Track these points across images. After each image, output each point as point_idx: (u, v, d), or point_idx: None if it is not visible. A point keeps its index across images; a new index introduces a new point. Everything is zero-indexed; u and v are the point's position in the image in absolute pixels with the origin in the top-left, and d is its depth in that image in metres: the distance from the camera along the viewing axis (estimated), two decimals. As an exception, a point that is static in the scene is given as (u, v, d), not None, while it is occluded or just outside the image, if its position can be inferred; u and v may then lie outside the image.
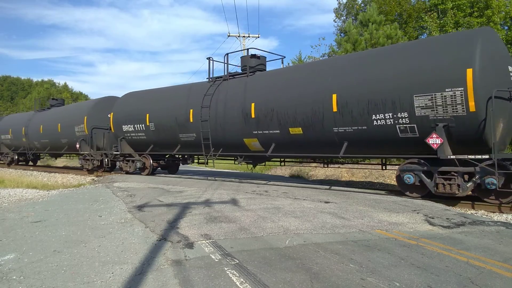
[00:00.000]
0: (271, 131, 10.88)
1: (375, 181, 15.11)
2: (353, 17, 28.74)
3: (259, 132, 11.17)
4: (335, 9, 33.35)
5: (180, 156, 16.24)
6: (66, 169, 23.62)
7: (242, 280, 3.64)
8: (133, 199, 8.97)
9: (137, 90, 17.35)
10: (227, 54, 12.61)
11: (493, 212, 8.06)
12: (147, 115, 14.69)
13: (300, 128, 10.19)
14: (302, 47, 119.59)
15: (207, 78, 13.54)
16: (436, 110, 7.93)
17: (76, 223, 6.38)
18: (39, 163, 28.18)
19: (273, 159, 13.79)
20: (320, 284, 3.54)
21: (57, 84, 78.88)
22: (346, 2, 30.58)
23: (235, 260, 4.23)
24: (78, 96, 71.39)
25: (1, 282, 3.73)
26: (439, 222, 6.17)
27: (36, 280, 3.77)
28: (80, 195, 10.02)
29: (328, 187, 11.59)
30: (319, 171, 17.91)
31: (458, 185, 7.98)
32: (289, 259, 4.26)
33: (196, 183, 12.57)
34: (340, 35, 26.25)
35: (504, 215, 7.74)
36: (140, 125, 15.04)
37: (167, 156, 16.34)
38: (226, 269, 3.94)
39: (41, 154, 25.59)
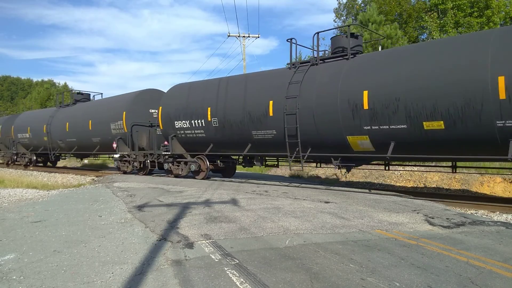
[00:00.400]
0: (392, 126, 8.66)
1: (375, 181, 15.12)
2: (353, 17, 28.76)
3: (372, 127, 8.98)
4: (335, 9, 33.41)
5: (240, 157, 14.02)
6: (66, 169, 23.60)
7: (242, 280, 3.64)
8: (133, 199, 8.97)
9: (189, 81, 15.16)
10: (318, 33, 10.61)
11: (493, 212, 8.07)
12: (209, 109, 12.58)
13: (442, 122, 7.94)
14: (302, 47, 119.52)
15: (287, 64, 11.62)
16: None
17: (76, 223, 6.38)
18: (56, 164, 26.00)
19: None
20: (320, 284, 3.54)
21: (57, 84, 78.90)
22: (346, 2, 30.62)
23: (235, 260, 4.23)
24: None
25: (1, 282, 3.73)
26: (439, 222, 6.17)
27: (36, 280, 3.77)
28: (80, 195, 10.03)
29: (328, 187, 11.59)
30: (319, 171, 17.90)
31: None
32: (289, 259, 4.26)
33: (196, 183, 12.56)
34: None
35: (504, 215, 7.74)
36: (199, 121, 12.91)
37: (220, 157, 14.46)
38: (226, 269, 3.94)
39: (62, 154, 23.04)
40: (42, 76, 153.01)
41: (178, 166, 14.47)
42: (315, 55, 10.87)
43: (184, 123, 13.48)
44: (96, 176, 18.04)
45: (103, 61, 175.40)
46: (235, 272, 3.84)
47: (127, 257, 4.44)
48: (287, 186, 11.71)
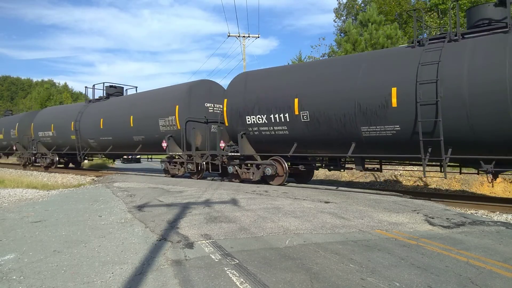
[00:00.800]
0: None
1: (375, 181, 15.12)
2: (353, 17, 28.76)
3: None
4: (335, 9, 33.42)
5: (324, 159, 11.94)
6: (66, 169, 23.55)
7: (242, 280, 3.64)
8: (133, 199, 8.97)
9: (263, 68, 13.25)
10: (457, 4, 8.93)
11: (493, 212, 8.07)
12: (296, 100, 10.49)
13: None
14: (302, 47, 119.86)
15: (408, 42, 9.49)
16: None
17: (76, 223, 6.39)
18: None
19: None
20: (320, 284, 3.54)
21: (57, 84, 78.99)
22: (346, 2, 30.61)
23: (235, 260, 4.23)
24: (78, 96, 71.46)
25: (1, 282, 3.73)
26: (439, 222, 6.17)
27: (36, 280, 3.77)
28: (80, 195, 10.03)
29: (328, 187, 11.58)
30: (319, 171, 17.89)
31: None
32: (289, 259, 4.26)
33: (196, 183, 12.56)
34: (340, 35, 26.29)
35: (504, 215, 7.74)
36: (281, 116, 10.86)
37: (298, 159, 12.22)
38: (226, 269, 3.94)
39: (92, 155, 20.56)
40: (42, 76, 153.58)
41: (247, 169, 12.33)
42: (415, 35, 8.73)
43: (259, 118, 11.38)
44: (96, 176, 18.04)
45: (103, 61, 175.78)
46: (235, 272, 3.84)
47: (127, 257, 4.44)
48: (287, 186, 11.70)
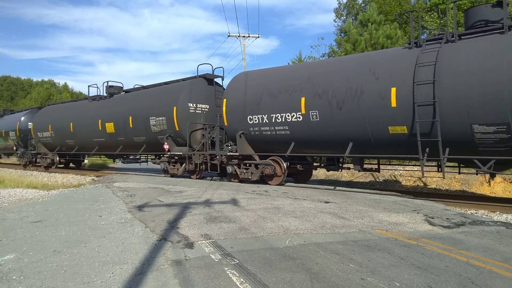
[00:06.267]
0: None
1: (375, 181, 15.12)
2: (353, 17, 28.76)
3: None
4: (335, 9, 33.44)
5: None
6: (66, 169, 23.55)
7: (242, 280, 3.64)
8: (133, 199, 8.97)
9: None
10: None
11: (493, 212, 8.07)
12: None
13: None
14: (303, 46, 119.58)
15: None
16: None
17: (76, 223, 6.39)
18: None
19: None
20: (320, 284, 3.54)
21: (57, 84, 78.88)
22: (346, 2, 30.62)
23: (235, 260, 4.23)
24: (78, 96, 71.46)
25: (1, 282, 3.73)
26: (439, 222, 6.17)
27: (36, 280, 3.77)
28: (80, 195, 10.03)
29: (328, 187, 11.58)
30: (319, 171, 17.88)
31: None
32: (289, 259, 4.26)
33: (196, 183, 12.55)
34: (340, 35, 26.29)
35: (504, 215, 7.75)
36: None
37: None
38: (226, 269, 3.94)
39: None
40: (42, 76, 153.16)
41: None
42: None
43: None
44: (96, 176, 18.04)
45: (103, 61, 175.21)
46: (235, 272, 3.84)
47: (127, 257, 4.44)
48: (287, 186, 11.70)
